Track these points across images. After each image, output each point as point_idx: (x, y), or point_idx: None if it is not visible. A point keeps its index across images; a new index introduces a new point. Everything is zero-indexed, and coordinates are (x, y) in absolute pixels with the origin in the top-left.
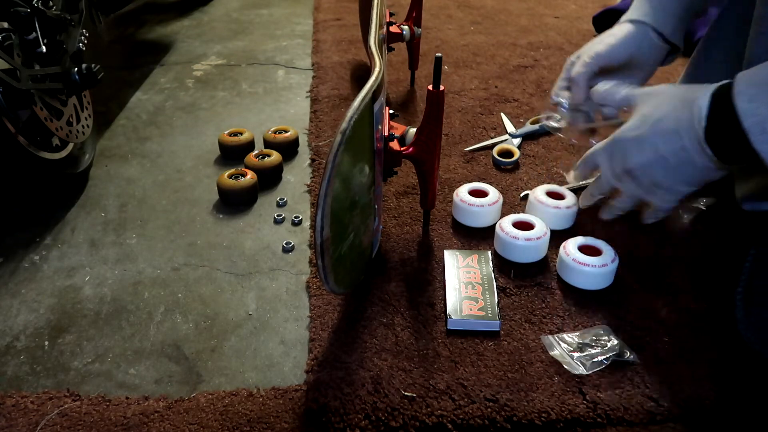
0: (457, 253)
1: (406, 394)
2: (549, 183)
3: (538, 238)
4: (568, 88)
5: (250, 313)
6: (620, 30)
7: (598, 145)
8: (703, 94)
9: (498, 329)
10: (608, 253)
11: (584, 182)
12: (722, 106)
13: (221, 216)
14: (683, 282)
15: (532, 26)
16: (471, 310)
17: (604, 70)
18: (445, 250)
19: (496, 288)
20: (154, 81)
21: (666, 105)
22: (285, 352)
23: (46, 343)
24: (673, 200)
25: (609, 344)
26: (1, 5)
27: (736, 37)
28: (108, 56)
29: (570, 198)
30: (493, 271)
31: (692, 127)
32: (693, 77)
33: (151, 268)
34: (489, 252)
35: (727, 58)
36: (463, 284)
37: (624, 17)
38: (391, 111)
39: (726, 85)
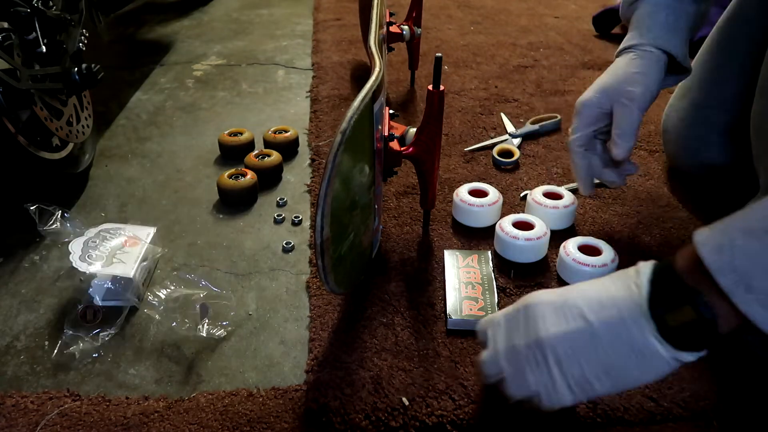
0: (457, 253)
1: (404, 400)
2: (549, 183)
3: (538, 238)
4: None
5: (250, 313)
6: (646, 62)
7: (490, 316)
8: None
9: None
10: (608, 253)
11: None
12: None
13: (221, 216)
14: None
15: (532, 26)
16: (471, 310)
17: None
18: (445, 250)
19: (496, 288)
20: (154, 81)
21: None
22: (285, 352)
23: (46, 343)
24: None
25: None
26: (1, 5)
27: (749, 37)
28: (108, 56)
29: (568, 197)
30: (493, 271)
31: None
32: (701, 80)
33: None
34: (489, 252)
35: (746, 54)
36: (463, 284)
37: (633, 39)
38: (391, 111)
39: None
